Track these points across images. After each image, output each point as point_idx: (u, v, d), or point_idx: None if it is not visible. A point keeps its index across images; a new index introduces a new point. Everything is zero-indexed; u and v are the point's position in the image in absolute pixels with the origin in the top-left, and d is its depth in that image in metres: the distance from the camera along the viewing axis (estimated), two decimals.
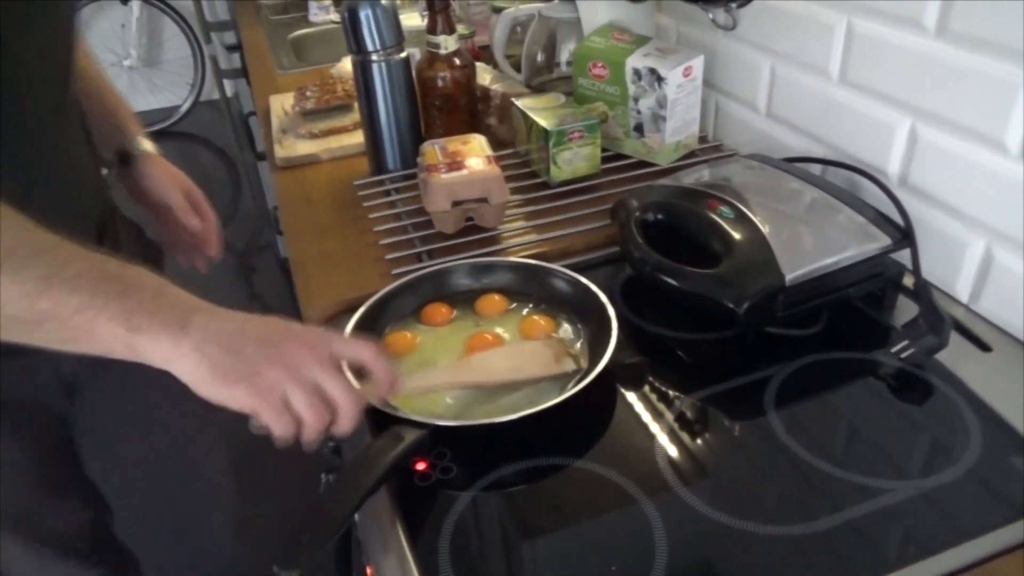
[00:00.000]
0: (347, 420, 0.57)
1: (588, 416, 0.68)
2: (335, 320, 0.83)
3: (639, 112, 1.02)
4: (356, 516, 0.59)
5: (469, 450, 0.65)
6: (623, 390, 0.72)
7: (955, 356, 0.71)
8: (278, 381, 0.53)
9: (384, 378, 0.59)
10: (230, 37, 2.42)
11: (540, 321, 0.77)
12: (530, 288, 0.81)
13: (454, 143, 0.95)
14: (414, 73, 1.07)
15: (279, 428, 0.55)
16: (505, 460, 0.64)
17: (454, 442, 0.65)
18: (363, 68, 1.02)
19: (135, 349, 0.52)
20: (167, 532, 1.04)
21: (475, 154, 0.92)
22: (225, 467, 1.08)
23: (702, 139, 1.11)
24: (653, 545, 0.56)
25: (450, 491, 0.62)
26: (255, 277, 2.79)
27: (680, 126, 1.02)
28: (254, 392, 0.53)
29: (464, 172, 0.89)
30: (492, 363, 0.71)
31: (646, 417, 0.68)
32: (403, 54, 1.02)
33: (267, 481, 1.83)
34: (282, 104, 1.31)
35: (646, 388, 0.72)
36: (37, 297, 0.50)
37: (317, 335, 0.58)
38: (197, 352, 0.52)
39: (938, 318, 0.70)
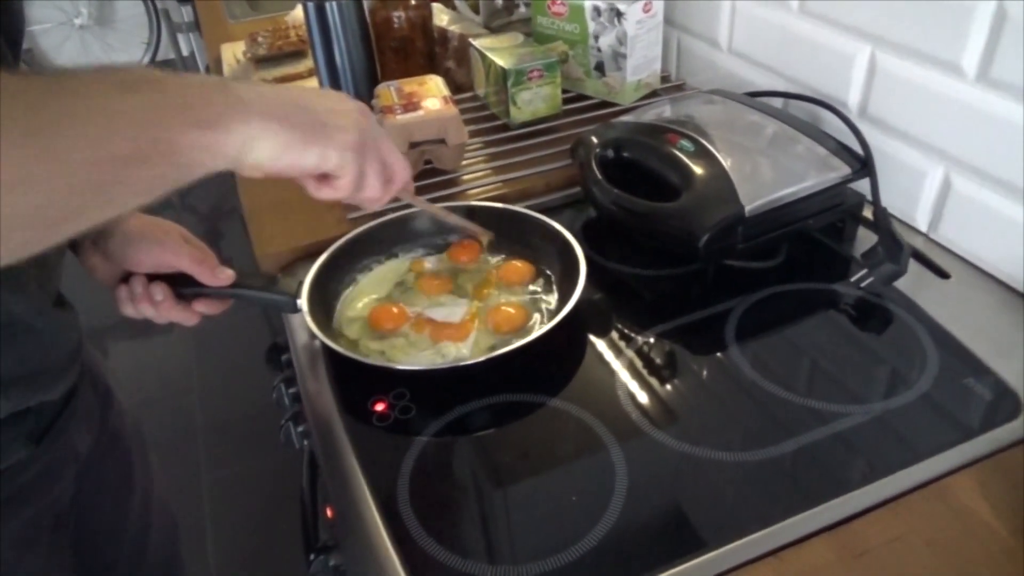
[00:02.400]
0: (390, 196, 0.59)
1: (549, 354, 0.67)
2: (291, 268, 0.81)
3: (599, 50, 1.00)
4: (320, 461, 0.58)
5: (428, 390, 0.64)
6: (586, 328, 0.71)
7: (914, 284, 0.71)
8: (355, 145, 0.52)
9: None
10: None
11: (519, 265, 0.75)
12: (494, 231, 0.79)
13: (410, 84, 0.93)
14: (368, 15, 1.03)
15: (350, 189, 0.54)
16: (462, 400, 0.63)
17: (413, 382, 0.65)
18: (315, 9, 0.98)
19: (214, 150, 0.46)
20: None
21: (431, 95, 0.90)
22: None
23: (665, 78, 1.09)
24: (613, 474, 0.56)
25: (409, 431, 0.61)
26: (223, 243, 2.74)
27: (641, 64, 1.00)
28: (336, 148, 0.51)
29: (420, 112, 0.87)
30: None
31: (607, 352, 0.68)
32: None
33: (236, 444, 1.82)
34: (233, 52, 1.27)
35: (609, 326, 0.71)
36: (109, 144, 0.41)
37: (366, 111, 0.56)
38: (267, 118, 0.48)
39: (896, 246, 0.69)
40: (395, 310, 0.71)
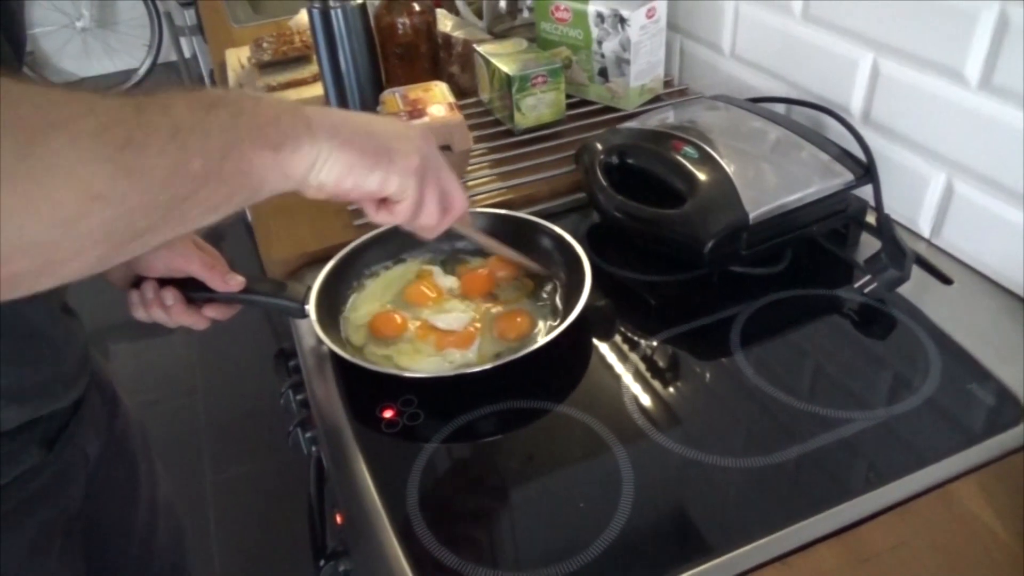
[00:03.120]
0: (447, 224, 0.59)
1: (555, 360, 0.68)
2: (299, 273, 0.82)
3: (603, 56, 1.01)
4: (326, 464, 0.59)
5: (436, 397, 0.65)
6: (592, 334, 0.71)
7: (917, 290, 0.72)
8: (417, 170, 0.53)
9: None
10: None
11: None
12: (500, 238, 0.79)
13: (415, 91, 0.93)
14: (372, 21, 1.04)
15: (408, 214, 0.55)
16: (469, 407, 0.64)
17: (421, 389, 0.65)
18: (320, 15, 0.99)
19: (282, 169, 0.47)
20: None
21: (436, 101, 0.90)
22: None
23: (668, 83, 1.10)
24: (620, 480, 0.57)
25: (417, 438, 0.62)
26: (225, 244, 2.74)
27: (644, 69, 1.01)
28: (398, 173, 0.52)
29: (426, 119, 0.87)
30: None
31: (613, 359, 0.68)
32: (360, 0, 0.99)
33: (241, 445, 1.83)
34: (238, 57, 1.27)
35: (614, 331, 0.72)
36: (185, 162, 0.41)
37: (429, 139, 0.56)
38: (334, 140, 0.48)
39: (899, 252, 0.70)
40: (397, 318, 0.71)
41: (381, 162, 0.51)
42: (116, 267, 0.66)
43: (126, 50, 3.71)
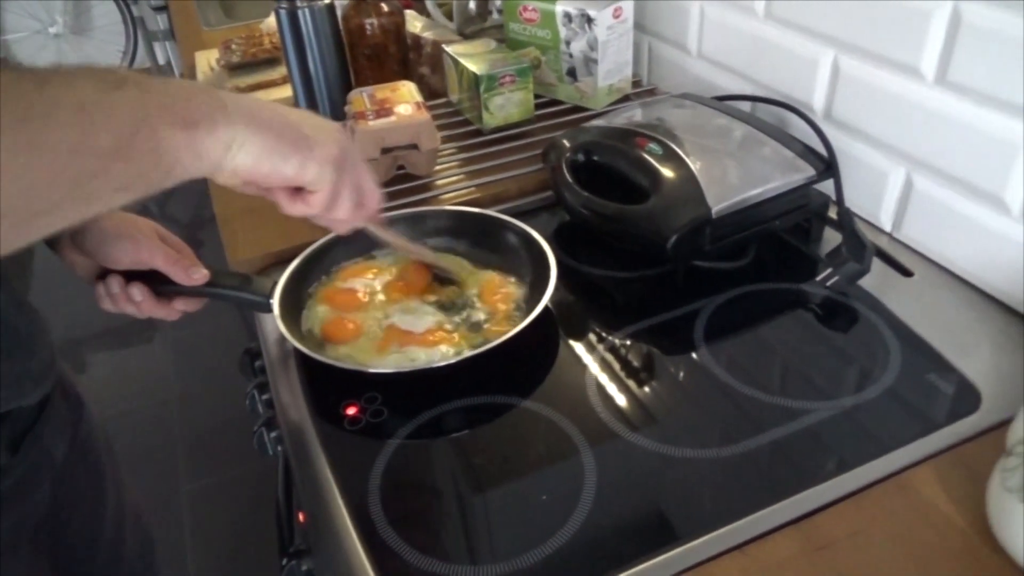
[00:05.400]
0: (360, 220, 0.60)
1: (521, 356, 0.68)
2: (266, 272, 0.81)
3: (571, 56, 1.01)
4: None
5: (400, 393, 0.65)
6: (558, 330, 0.71)
7: (878, 282, 0.73)
8: (335, 160, 0.53)
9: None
10: None
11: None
12: (467, 235, 0.79)
13: (382, 91, 0.93)
14: (341, 22, 1.04)
15: (323, 205, 0.54)
16: (433, 403, 0.64)
17: (384, 385, 0.65)
18: (287, 15, 0.99)
19: (196, 150, 0.46)
20: None
21: (404, 101, 0.90)
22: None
23: (636, 83, 1.10)
24: (582, 472, 0.57)
25: (380, 434, 0.62)
26: (203, 251, 2.71)
27: (612, 69, 1.02)
28: (316, 161, 0.51)
29: (392, 118, 0.87)
30: None
31: (578, 354, 0.69)
32: (327, 0, 0.99)
33: (216, 455, 1.81)
34: (208, 60, 1.26)
35: (580, 327, 0.72)
36: (92, 137, 0.41)
37: (346, 138, 0.56)
38: (251, 124, 0.48)
39: (860, 245, 0.71)
40: (349, 325, 0.70)
41: (300, 148, 0.50)
42: (82, 260, 0.65)
43: (101, 57, 3.67)
